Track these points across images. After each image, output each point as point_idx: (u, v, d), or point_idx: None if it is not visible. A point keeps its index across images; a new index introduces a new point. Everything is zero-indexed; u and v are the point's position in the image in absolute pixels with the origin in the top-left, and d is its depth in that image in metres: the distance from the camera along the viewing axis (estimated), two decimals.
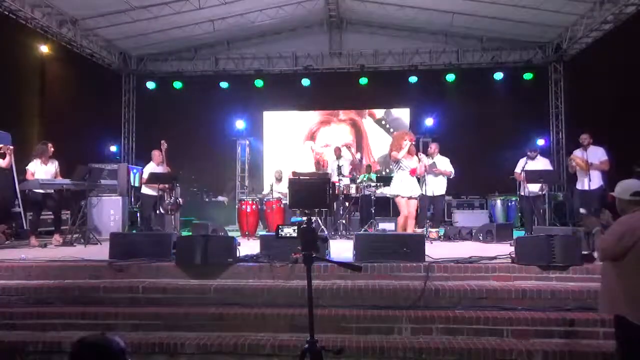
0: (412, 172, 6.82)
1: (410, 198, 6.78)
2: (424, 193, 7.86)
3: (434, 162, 7.69)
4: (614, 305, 2.89)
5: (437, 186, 7.67)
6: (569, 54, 11.50)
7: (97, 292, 4.63)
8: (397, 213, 7.11)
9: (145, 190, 8.20)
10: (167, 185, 7.88)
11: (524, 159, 7.45)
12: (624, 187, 2.98)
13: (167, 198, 7.91)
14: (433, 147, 8.12)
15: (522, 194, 7.43)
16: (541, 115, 12.04)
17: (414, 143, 6.98)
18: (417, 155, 7.13)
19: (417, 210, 7.02)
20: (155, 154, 8.20)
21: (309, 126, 12.37)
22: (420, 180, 7.85)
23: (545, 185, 7.65)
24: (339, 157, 9.15)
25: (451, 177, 7.89)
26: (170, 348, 3.99)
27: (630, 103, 8.77)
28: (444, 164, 7.81)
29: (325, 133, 12.31)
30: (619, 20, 9.24)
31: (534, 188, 7.19)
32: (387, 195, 7.61)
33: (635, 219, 2.83)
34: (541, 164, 7.45)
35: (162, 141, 8.15)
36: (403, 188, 6.78)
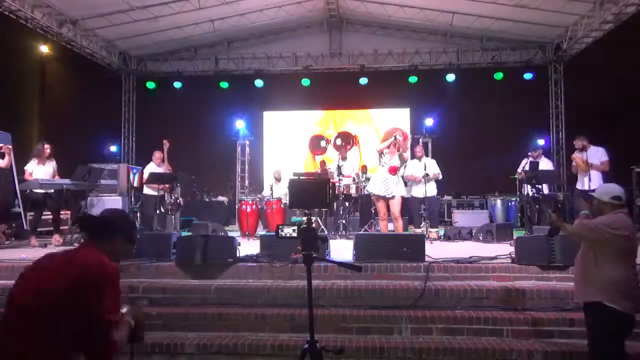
0: (391, 169, 6.30)
1: (386, 198, 6.30)
2: (414, 195, 7.87)
3: (426, 174, 7.67)
4: (595, 292, 3.06)
5: (428, 187, 7.66)
6: (569, 54, 11.50)
7: None
8: None
9: (147, 190, 8.21)
10: (167, 185, 7.88)
11: (525, 159, 7.47)
12: (606, 190, 3.23)
13: (167, 198, 7.92)
14: (419, 149, 8.08)
15: (529, 194, 7.38)
16: (541, 115, 12.05)
17: (403, 139, 6.38)
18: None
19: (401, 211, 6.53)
20: (156, 154, 8.21)
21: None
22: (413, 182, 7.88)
23: (546, 185, 7.64)
24: (344, 158, 9.10)
25: (439, 178, 7.92)
26: (170, 348, 3.99)
27: (630, 103, 8.78)
28: (432, 166, 7.80)
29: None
30: (619, 20, 9.24)
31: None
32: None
33: (615, 219, 3.08)
34: (544, 164, 7.46)
35: (165, 140, 8.16)
36: (378, 186, 6.34)
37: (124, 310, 2.06)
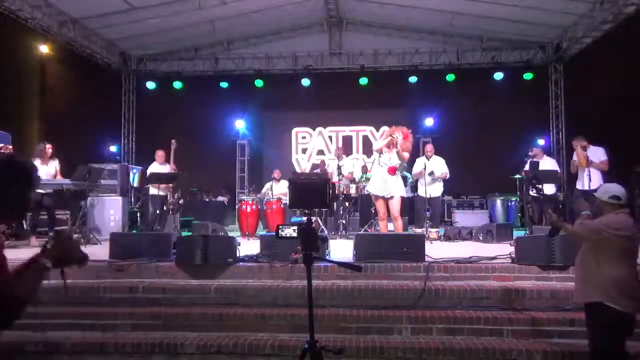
0: (390, 169, 6.19)
1: (385, 198, 6.22)
2: (418, 194, 7.87)
3: (432, 172, 7.65)
4: (596, 292, 3.07)
5: (433, 188, 7.67)
6: (569, 54, 11.50)
7: (97, 292, 4.63)
8: None
9: (152, 190, 8.24)
10: (171, 185, 7.91)
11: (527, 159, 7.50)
12: (605, 189, 3.26)
13: (170, 197, 7.95)
14: (429, 148, 8.11)
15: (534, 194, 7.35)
16: (541, 115, 12.04)
17: (403, 138, 6.22)
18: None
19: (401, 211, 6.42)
20: (159, 153, 8.21)
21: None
22: (418, 182, 7.87)
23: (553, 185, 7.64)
24: (340, 157, 9.12)
25: (446, 178, 7.92)
26: (170, 348, 3.99)
27: (630, 103, 8.75)
28: (440, 165, 7.80)
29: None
30: (618, 20, 9.24)
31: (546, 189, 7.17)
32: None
33: (616, 219, 3.10)
34: (548, 163, 7.46)
35: (173, 140, 8.16)
36: (377, 186, 6.29)
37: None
